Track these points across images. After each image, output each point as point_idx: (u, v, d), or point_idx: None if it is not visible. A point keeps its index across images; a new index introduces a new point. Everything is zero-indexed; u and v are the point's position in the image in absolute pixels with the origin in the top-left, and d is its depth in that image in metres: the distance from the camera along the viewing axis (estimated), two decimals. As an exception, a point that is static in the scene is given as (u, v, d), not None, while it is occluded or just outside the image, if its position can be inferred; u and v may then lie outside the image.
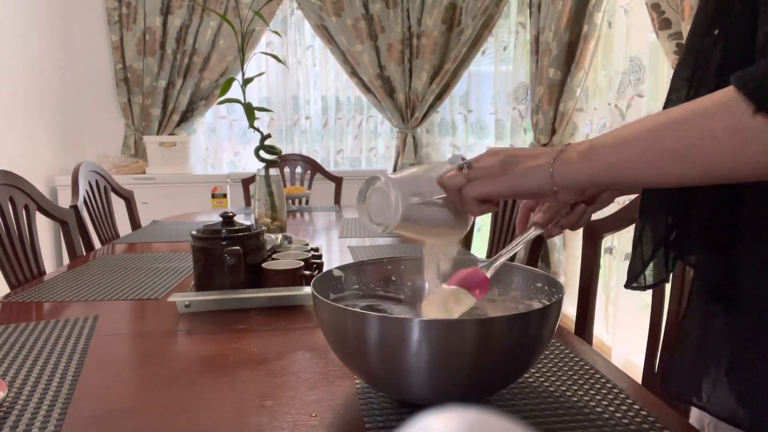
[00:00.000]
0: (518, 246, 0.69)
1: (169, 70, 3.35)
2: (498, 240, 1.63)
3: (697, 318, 0.62)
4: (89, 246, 1.76)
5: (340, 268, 0.77)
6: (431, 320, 0.59)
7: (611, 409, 0.64)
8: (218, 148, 3.59)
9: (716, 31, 0.56)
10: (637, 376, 0.88)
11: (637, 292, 0.71)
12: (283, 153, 2.40)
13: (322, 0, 3.30)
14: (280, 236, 1.26)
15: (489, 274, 0.69)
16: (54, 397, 0.68)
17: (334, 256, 1.50)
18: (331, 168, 3.47)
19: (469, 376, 0.59)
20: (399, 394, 0.64)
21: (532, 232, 0.70)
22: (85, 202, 1.87)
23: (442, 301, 0.68)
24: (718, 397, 0.56)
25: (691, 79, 0.58)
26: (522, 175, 0.57)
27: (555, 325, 0.62)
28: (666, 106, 0.60)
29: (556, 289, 0.69)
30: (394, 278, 0.81)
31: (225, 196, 3.23)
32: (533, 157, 0.57)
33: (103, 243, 1.88)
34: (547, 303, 0.65)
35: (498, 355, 0.59)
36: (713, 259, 0.59)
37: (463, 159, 0.61)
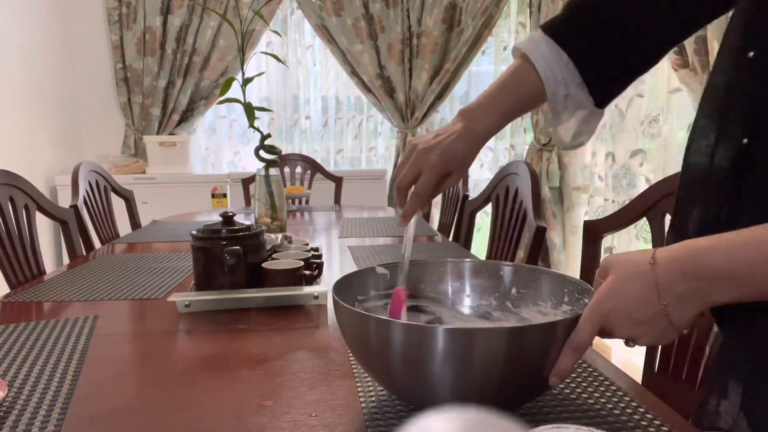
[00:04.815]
0: (409, 244, 0.73)
1: (169, 69, 3.35)
2: (498, 239, 1.63)
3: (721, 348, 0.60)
4: (89, 246, 1.76)
5: (384, 266, 0.75)
6: (457, 329, 0.55)
7: (616, 410, 0.64)
8: (218, 147, 3.59)
9: (751, 54, 0.52)
10: (637, 376, 0.88)
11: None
12: (283, 153, 2.40)
13: (322, 0, 3.30)
14: (280, 236, 1.26)
15: (401, 285, 0.72)
16: (54, 397, 0.68)
17: (334, 256, 1.50)
18: (331, 168, 3.46)
19: (497, 385, 0.55)
20: (420, 402, 0.60)
21: (412, 225, 0.74)
22: (85, 202, 1.87)
23: None
24: (741, 428, 0.55)
25: (723, 110, 0.54)
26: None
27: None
28: (689, 145, 0.58)
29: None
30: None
31: (225, 196, 3.23)
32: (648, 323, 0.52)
33: (103, 243, 1.88)
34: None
35: (529, 364, 0.55)
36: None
37: None
